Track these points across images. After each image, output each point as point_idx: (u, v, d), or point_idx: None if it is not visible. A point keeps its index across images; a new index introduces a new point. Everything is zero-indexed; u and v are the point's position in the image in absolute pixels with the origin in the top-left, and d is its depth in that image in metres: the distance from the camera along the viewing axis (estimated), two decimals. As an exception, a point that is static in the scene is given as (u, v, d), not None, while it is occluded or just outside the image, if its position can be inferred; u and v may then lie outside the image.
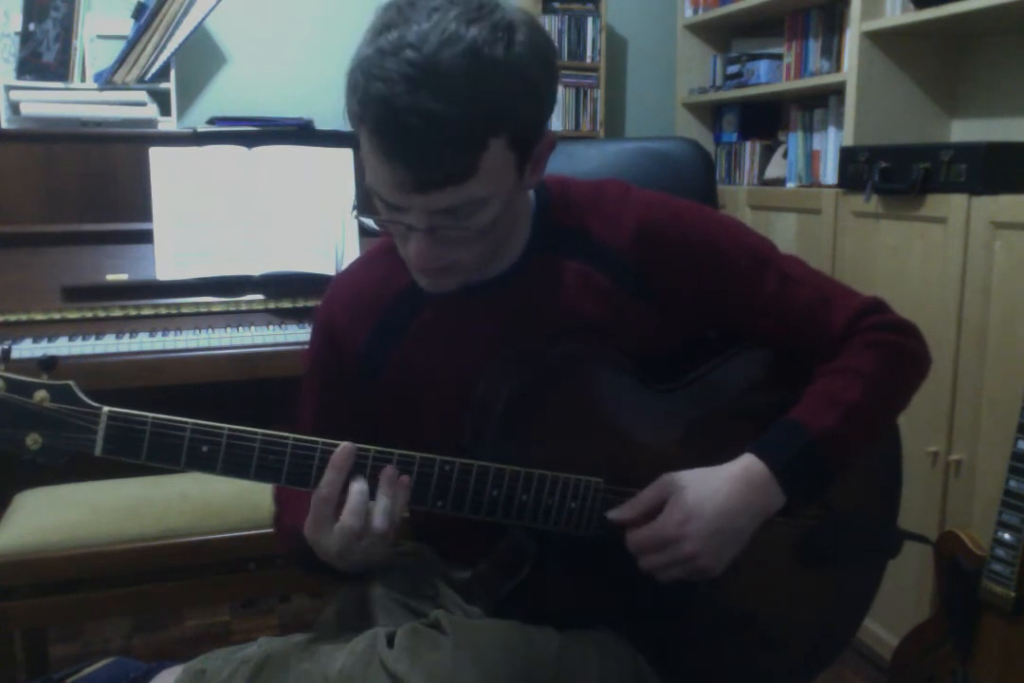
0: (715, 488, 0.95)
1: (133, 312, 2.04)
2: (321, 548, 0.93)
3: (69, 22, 2.49)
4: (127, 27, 2.57)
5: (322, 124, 2.45)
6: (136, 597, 1.64)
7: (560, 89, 2.75)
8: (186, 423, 0.89)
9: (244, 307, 2.12)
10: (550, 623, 0.99)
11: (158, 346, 1.94)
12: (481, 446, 0.95)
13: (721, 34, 3.16)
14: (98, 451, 0.88)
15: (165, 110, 2.58)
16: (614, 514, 0.96)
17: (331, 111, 2.80)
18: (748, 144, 2.99)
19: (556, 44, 3.03)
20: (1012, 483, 1.47)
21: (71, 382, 0.88)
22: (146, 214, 2.12)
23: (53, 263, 2.06)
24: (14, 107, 2.42)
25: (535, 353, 0.97)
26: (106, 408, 0.88)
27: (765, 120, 3.01)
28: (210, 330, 2.02)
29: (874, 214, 2.01)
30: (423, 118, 0.80)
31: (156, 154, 2.14)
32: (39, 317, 1.98)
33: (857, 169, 2.03)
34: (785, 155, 2.83)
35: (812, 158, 2.69)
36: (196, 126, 2.36)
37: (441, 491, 0.93)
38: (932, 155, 1.83)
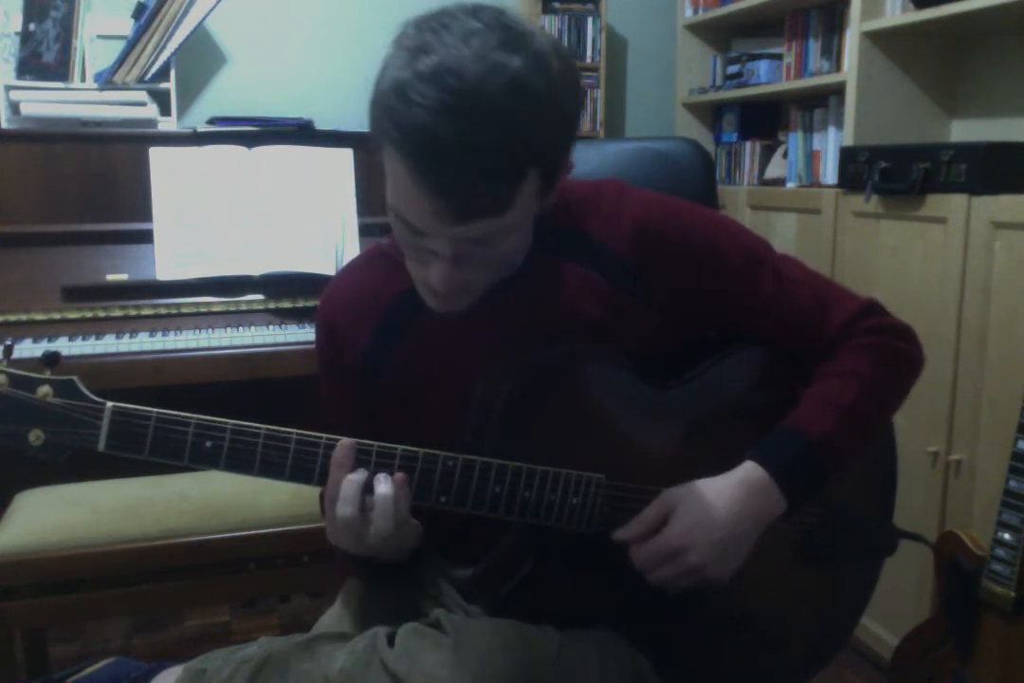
0: (716, 497, 0.95)
1: (133, 312, 2.04)
2: (342, 545, 0.94)
3: (69, 22, 2.49)
4: (127, 27, 2.57)
5: (322, 124, 2.45)
6: (136, 597, 1.64)
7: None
8: (190, 418, 0.89)
9: (244, 307, 2.12)
10: (550, 622, 1.00)
11: (158, 346, 1.94)
12: (482, 445, 0.95)
13: (721, 34, 3.16)
14: (101, 446, 0.88)
15: (165, 110, 2.58)
16: (619, 534, 0.96)
17: (331, 111, 2.83)
18: (748, 144, 2.99)
19: (556, 44, 3.03)
20: (1012, 483, 1.47)
21: (74, 377, 0.88)
22: (146, 214, 2.12)
23: (53, 263, 2.06)
24: (14, 107, 2.42)
25: (535, 352, 0.97)
26: (110, 403, 0.88)
27: (765, 120, 3.01)
28: (210, 330, 2.02)
29: (874, 214, 2.02)
30: (467, 150, 0.79)
31: (156, 154, 2.14)
32: (39, 317, 1.98)
33: (857, 169, 2.04)
34: (785, 155, 2.83)
35: (812, 158, 2.69)
36: (196, 126, 2.36)
37: (444, 487, 0.93)
38: (932, 155, 1.83)
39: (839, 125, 2.54)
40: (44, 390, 0.87)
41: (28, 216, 2.14)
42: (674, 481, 0.98)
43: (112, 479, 1.79)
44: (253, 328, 2.04)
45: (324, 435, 0.91)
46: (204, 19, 2.55)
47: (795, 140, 2.76)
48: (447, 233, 0.85)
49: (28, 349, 1.86)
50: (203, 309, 2.09)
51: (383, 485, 0.90)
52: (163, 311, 2.06)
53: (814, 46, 2.65)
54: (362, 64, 3.19)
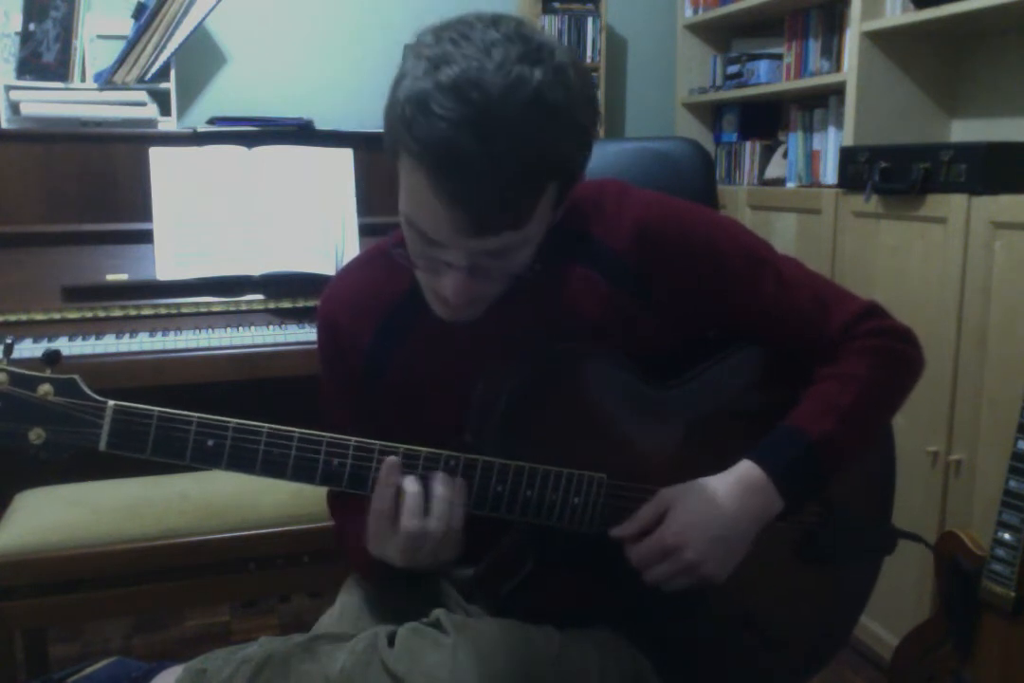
0: (712, 496, 0.95)
1: (133, 312, 2.04)
2: (388, 558, 0.95)
3: (69, 22, 2.49)
4: (127, 27, 2.57)
5: (322, 124, 2.45)
6: (136, 597, 1.64)
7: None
8: (192, 417, 0.89)
9: (244, 307, 2.12)
10: (551, 622, 1.00)
11: (158, 346, 1.94)
12: (483, 444, 0.95)
13: (721, 34, 3.16)
14: (103, 445, 0.88)
15: (165, 110, 2.58)
16: (616, 531, 0.96)
17: (331, 111, 2.83)
18: (748, 144, 2.99)
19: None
20: (1012, 483, 1.47)
21: (75, 376, 0.88)
22: (146, 214, 2.12)
23: (53, 263, 2.06)
24: (14, 107, 2.42)
25: (535, 352, 0.97)
26: (111, 402, 0.88)
27: (765, 120, 3.01)
28: (210, 330, 2.02)
29: (874, 214, 2.02)
30: (489, 164, 0.79)
31: (156, 154, 2.14)
32: (39, 317, 1.98)
33: (857, 169, 2.04)
34: (785, 155, 2.83)
35: (812, 158, 2.69)
36: (196, 126, 2.35)
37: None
38: (932, 155, 1.83)
39: (839, 125, 2.54)
40: (45, 388, 0.87)
41: (28, 216, 2.14)
42: (674, 481, 0.98)
43: (112, 479, 1.79)
44: (253, 328, 2.04)
45: (327, 434, 0.92)
46: (204, 19, 2.55)
47: (795, 140, 2.76)
48: (464, 246, 0.85)
49: (28, 349, 1.86)
50: (203, 309, 2.09)
51: (440, 487, 0.91)
52: (163, 311, 2.06)
53: (814, 46, 2.65)
54: (362, 64, 3.22)
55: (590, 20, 3.05)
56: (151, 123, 2.46)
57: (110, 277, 2.07)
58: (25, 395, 0.86)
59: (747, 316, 1.04)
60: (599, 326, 1.01)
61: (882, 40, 2.25)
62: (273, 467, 0.91)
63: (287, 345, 2.00)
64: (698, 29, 3.15)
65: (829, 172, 2.59)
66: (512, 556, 1.00)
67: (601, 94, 3.08)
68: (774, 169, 2.87)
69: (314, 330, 1.14)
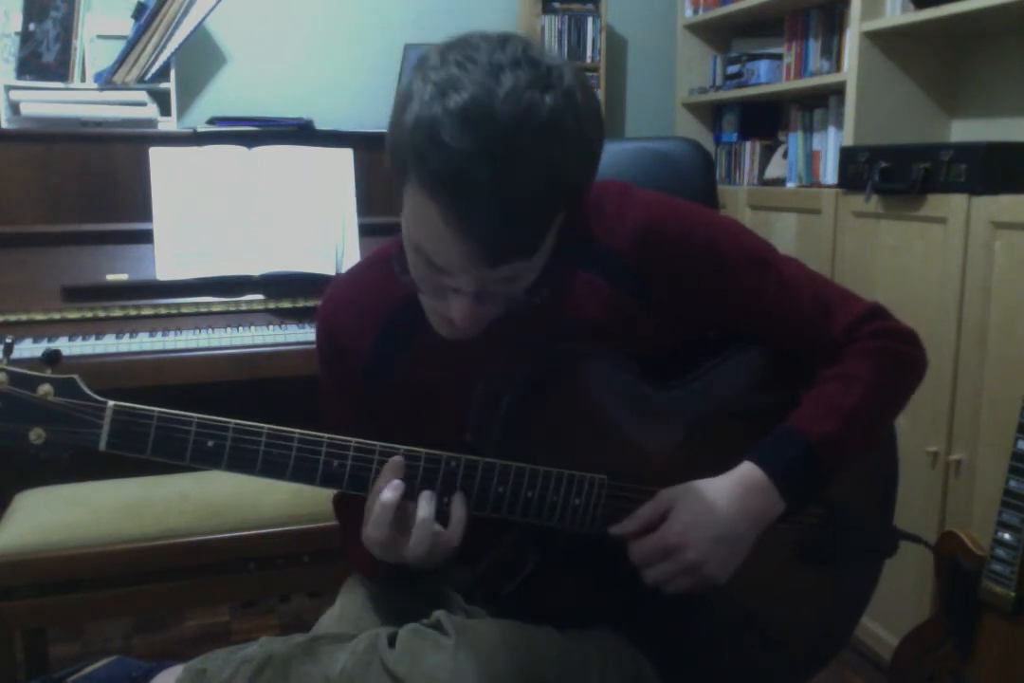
0: (714, 496, 0.95)
1: (133, 312, 2.04)
2: (376, 555, 0.95)
3: (69, 22, 2.49)
4: (127, 27, 2.57)
5: (322, 124, 2.45)
6: (136, 597, 1.64)
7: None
8: (192, 417, 0.89)
9: (244, 307, 2.12)
10: (551, 623, 1.00)
11: (158, 346, 1.94)
12: (484, 445, 0.95)
13: (721, 34, 3.16)
14: (103, 445, 0.88)
15: (165, 110, 2.58)
16: (616, 529, 0.96)
17: (331, 111, 2.83)
18: (748, 144, 2.99)
19: (556, 44, 3.03)
20: (1012, 483, 1.47)
21: (75, 376, 0.88)
22: (146, 214, 2.12)
23: (53, 263, 2.06)
24: (14, 107, 2.42)
25: (537, 353, 0.97)
26: (111, 402, 0.88)
27: (765, 120, 3.01)
28: (210, 330, 2.02)
29: (874, 214, 2.02)
30: (502, 195, 0.78)
31: (156, 154, 2.14)
32: (39, 317, 1.98)
33: (857, 169, 2.04)
34: (785, 155, 2.83)
35: (812, 158, 2.69)
36: (196, 126, 2.36)
37: (447, 487, 0.93)
38: (932, 155, 1.83)
39: (839, 125, 2.54)
40: (45, 388, 0.87)
41: (28, 216, 2.14)
42: (675, 482, 0.98)
43: (112, 479, 1.79)
44: (253, 328, 2.04)
45: (327, 435, 0.91)
46: (204, 19, 2.55)
47: (795, 140, 2.76)
48: (474, 274, 0.84)
49: (28, 349, 1.86)
50: (203, 309, 2.09)
51: (424, 509, 0.90)
52: (163, 311, 2.06)
53: (814, 46, 2.65)
54: (362, 64, 3.22)
55: (590, 20, 3.05)
56: (151, 123, 2.46)
57: (110, 277, 2.07)
58: (25, 395, 0.86)
59: (748, 317, 1.04)
60: (601, 328, 1.00)
61: (882, 40, 2.25)
62: (273, 468, 0.91)
63: (287, 345, 2.00)
64: (698, 29, 3.15)
65: (829, 172, 2.59)
66: (513, 557, 1.00)
67: (601, 94, 3.08)
68: (774, 169, 2.87)
69: (314, 330, 1.14)
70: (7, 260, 2.03)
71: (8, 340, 0.90)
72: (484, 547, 1.01)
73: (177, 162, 2.15)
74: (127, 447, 0.88)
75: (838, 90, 2.46)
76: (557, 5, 3.04)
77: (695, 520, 0.94)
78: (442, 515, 0.94)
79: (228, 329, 2.02)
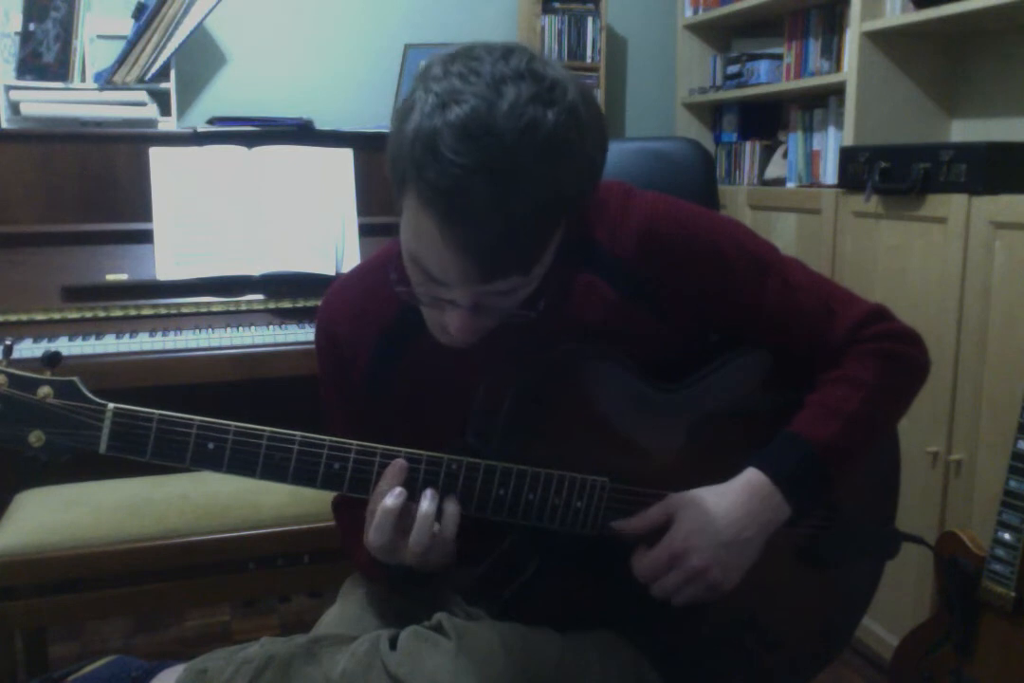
0: (718, 502, 0.95)
1: (133, 312, 2.04)
2: (378, 557, 0.95)
3: (69, 22, 2.49)
4: (127, 27, 2.57)
5: (322, 124, 2.45)
6: (136, 597, 1.64)
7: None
8: (192, 420, 0.89)
9: (244, 307, 2.12)
10: (552, 625, 1.00)
11: (158, 346, 1.94)
12: (485, 446, 0.95)
13: (721, 34, 3.16)
14: (103, 448, 0.87)
15: (165, 110, 2.58)
16: (618, 524, 0.96)
17: (331, 111, 2.83)
18: (748, 144, 2.99)
19: (556, 44, 3.03)
20: (1012, 483, 1.47)
21: (75, 378, 0.88)
22: (146, 214, 2.11)
23: (53, 263, 2.06)
24: (14, 107, 2.42)
25: (540, 355, 0.97)
26: (111, 405, 0.87)
27: (765, 120, 3.01)
28: (210, 330, 2.01)
29: (874, 214, 2.02)
30: (502, 213, 0.77)
31: (156, 154, 2.14)
32: (39, 317, 1.98)
33: (857, 169, 2.04)
34: (785, 155, 2.83)
35: (812, 158, 2.69)
36: (196, 126, 2.35)
37: (447, 490, 0.93)
38: (932, 155, 1.83)
39: (839, 125, 2.54)
40: (45, 391, 0.87)
41: (28, 216, 2.14)
42: (679, 485, 0.98)
43: (112, 479, 1.79)
44: (253, 328, 2.04)
45: (328, 438, 0.91)
46: (204, 19, 2.55)
47: (795, 140, 2.76)
48: (470, 288, 0.84)
49: (28, 349, 1.86)
50: (203, 309, 2.09)
51: (425, 504, 0.90)
52: (163, 311, 2.06)
53: (814, 46, 2.65)
54: (362, 64, 3.21)
55: (590, 20, 3.05)
56: (151, 123, 2.46)
57: (110, 277, 2.07)
58: (25, 397, 0.86)
59: (752, 319, 1.03)
60: (603, 330, 1.00)
61: (882, 40, 2.25)
62: (274, 470, 0.90)
63: (287, 345, 2.00)
64: (698, 29, 3.15)
65: (829, 172, 2.59)
66: (514, 559, 1.00)
67: (601, 94, 3.08)
68: (774, 169, 2.87)
69: (314, 330, 1.13)
70: (7, 260, 2.03)
71: (8, 342, 0.90)
72: (485, 549, 1.01)
73: (177, 162, 2.15)
74: (127, 450, 0.88)
75: (838, 90, 2.46)
76: (557, 5, 3.04)
77: (700, 527, 0.94)
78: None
79: (228, 329, 2.02)
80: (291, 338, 2.02)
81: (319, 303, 1.12)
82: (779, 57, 2.82)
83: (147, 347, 1.93)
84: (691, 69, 3.18)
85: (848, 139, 2.30)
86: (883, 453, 1.13)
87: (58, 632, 2.19)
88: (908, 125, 2.31)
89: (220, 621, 2.32)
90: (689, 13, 3.14)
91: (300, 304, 2.13)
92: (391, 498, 0.90)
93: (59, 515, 1.65)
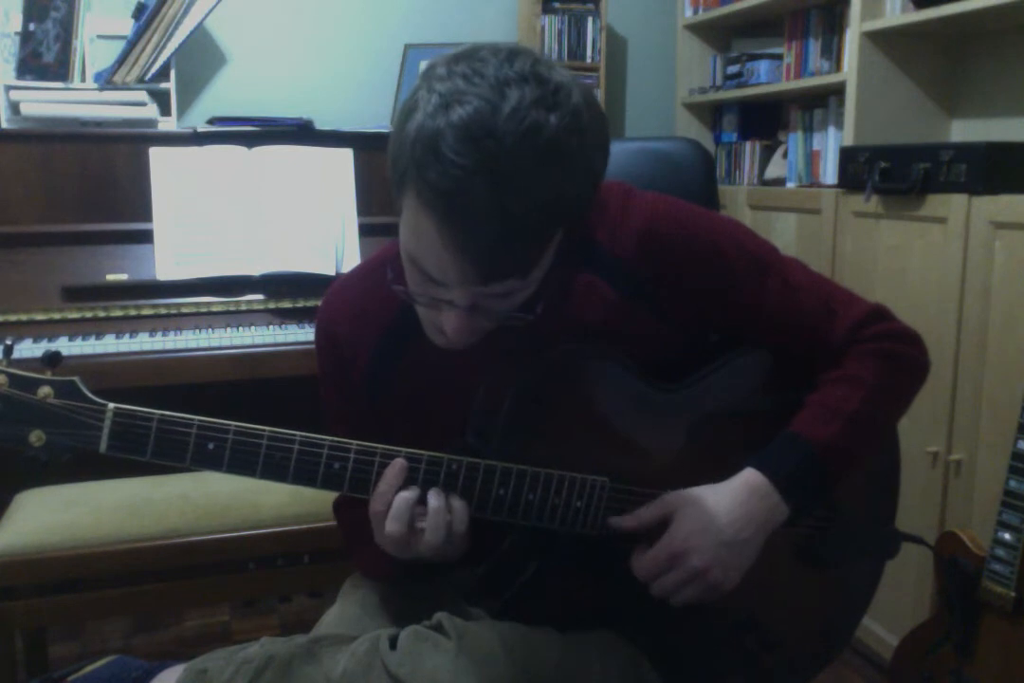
0: (717, 502, 0.95)
1: (133, 312, 2.04)
2: (391, 553, 0.95)
3: (69, 22, 2.49)
4: (127, 27, 2.57)
5: (322, 124, 2.45)
6: (136, 597, 1.64)
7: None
8: (192, 420, 0.89)
9: (244, 307, 2.12)
10: (552, 625, 1.00)
11: (158, 346, 1.94)
12: (485, 446, 0.95)
13: (721, 34, 3.16)
14: (103, 448, 0.88)
15: (165, 110, 2.58)
16: (616, 520, 0.96)
17: (331, 111, 2.83)
18: (748, 144, 2.99)
19: (556, 44, 3.03)
20: (1012, 483, 1.47)
21: (76, 378, 0.88)
22: (146, 214, 2.12)
23: (53, 263, 2.06)
24: (14, 107, 2.42)
25: (540, 354, 0.97)
26: (111, 405, 0.88)
27: (765, 120, 3.01)
28: (210, 330, 2.02)
29: (874, 214, 2.02)
30: (501, 216, 0.77)
31: (156, 154, 2.14)
32: (39, 317, 1.98)
33: (857, 169, 2.04)
34: (785, 155, 2.83)
35: (812, 158, 2.70)
36: (196, 126, 2.35)
37: (448, 489, 0.93)
38: (932, 155, 1.83)
39: (839, 125, 2.54)
40: (45, 391, 0.87)
41: (28, 216, 2.14)
42: (679, 484, 0.98)
43: (112, 479, 1.79)
44: (253, 328, 2.04)
45: (328, 438, 0.91)
46: (204, 19, 2.55)
47: (795, 140, 2.76)
48: (467, 289, 0.84)
49: (28, 349, 1.86)
50: (203, 309, 2.09)
51: (435, 499, 0.91)
52: (163, 311, 2.06)
53: (814, 46, 2.66)
54: (362, 64, 3.21)
55: (590, 20, 3.05)
56: (151, 123, 2.46)
57: (110, 277, 2.07)
58: (25, 397, 0.86)
59: (752, 319, 1.03)
60: (603, 330, 1.00)
61: (882, 40, 2.25)
62: (274, 470, 0.91)
63: (287, 345, 2.00)
64: (698, 29, 3.15)
65: (829, 172, 2.59)
66: (514, 559, 1.00)
67: (601, 94, 3.08)
68: (774, 169, 2.87)
69: (313, 330, 1.13)
70: (7, 260, 2.03)
71: (8, 342, 0.90)
72: (485, 549, 1.01)
73: (177, 162, 2.15)
74: (127, 449, 0.88)
75: (838, 90, 2.46)
76: (557, 5, 3.04)
77: (699, 527, 0.94)
78: None
79: (228, 329, 2.02)
80: (291, 338, 2.02)
81: (319, 303, 1.12)
82: (779, 57, 2.82)
83: (147, 347, 1.93)
84: (691, 69, 3.18)
85: (848, 139, 2.30)
86: (883, 453, 1.13)
87: (58, 632, 2.19)
88: (908, 125, 2.31)
89: (220, 621, 2.32)
90: (689, 13, 3.14)
91: (300, 304, 2.13)
92: (407, 492, 0.91)
93: (59, 515, 1.65)
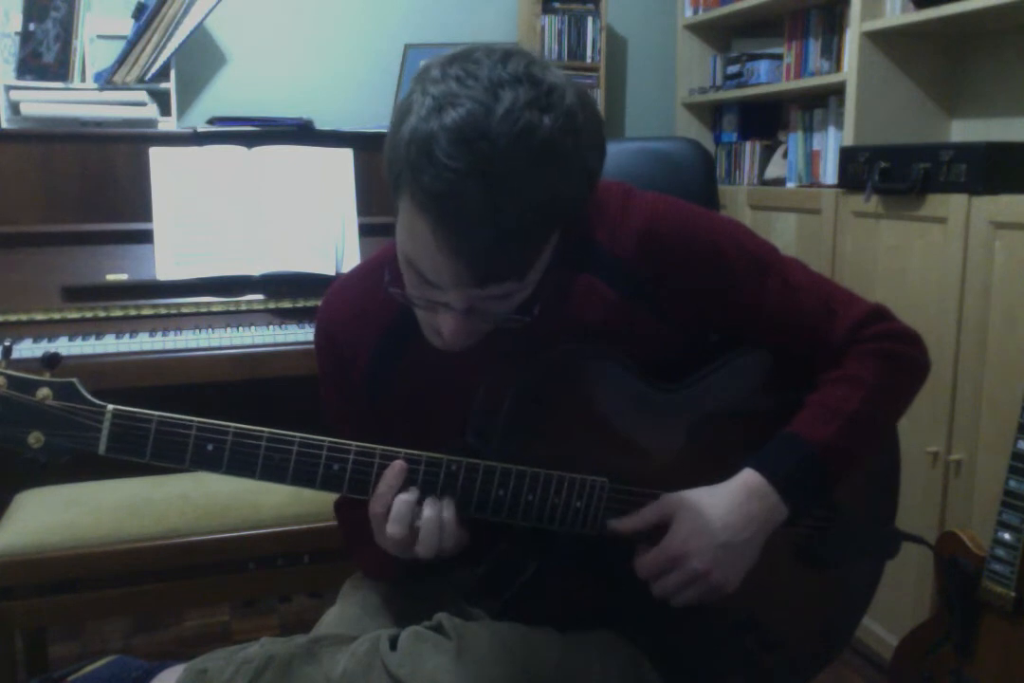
0: (716, 503, 0.95)
1: (133, 312, 2.04)
2: (393, 552, 0.95)
3: (69, 22, 2.49)
4: (127, 27, 2.57)
5: (322, 124, 2.45)
6: (136, 597, 1.64)
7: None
8: (191, 422, 0.89)
9: (244, 307, 2.12)
10: (553, 625, 1.00)
11: (158, 346, 1.94)
12: (485, 446, 0.95)
13: (721, 34, 3.16)
14: (102, 450, 0.87)
15: (165, 110, 2.58)
16: (615, 523, 0.96)
17: (331, 111, 2.83)
18: (748, 144, 2.99)
19: (556, 44, 3.03)
20: (1012, 483, 1.47)
21: (75, 380, 0.88)
22: (146, 214, 2.12)
23: (53, 263, 2.06)
24: (14, 107, 2.42)
25: (540, 354, 0.97)
26: (111, 406, 0.87)
27: (765, 120, 3.01)
28: (210, 330, 2.02)
29: (874, 214, 2.02)
30: (494, 216, 0.77)
31: (156, 154, 2.14)
32: (39, 317, 1.98)
33: (857, 169, 2.04)
34: (785, 155, 2.83)
35: (812, 158, 2.70)
36: (196, 126, 2.36)
37: (447, 490, 0.93)
38: (932, 155, 1.83)
39: (839, 125, 2.54)
40: (44, 392, 0.87)
41: (28, 216, 2.14)
42: (679, 485, 0.98)
43: (112, 479, 1.79)
44: (253, 328, 2.04)
45: (327, 439, 0.91)
46: (204, 19, 2.55)
47: (795, 140, 2.76)
48: (463, 292, 0.84)
49: (28, 349, 1.86)
50: (203, 309, 2.09)
51: (429, 508, 0.91)
52: (163, 311, 2.06)
53: (814, 46, 2.65)
54: (362, 64, 3.21)
55: (590, 20, 3.05)
56: (151, 123, 2.46)
57: (110, 277, 2.07)
58: (24, 399, 0.86)
59: (752, 320, 1.03)
60: (603, 331, 1.00)
61: (882, 40, 2.25)
62: (273, 472, 0.90)
63: (287, 345, 2.00)
64: (698, 29, 3.15)
65: (829, 172, 2.59)
66: (514, 559, 1.00)
67: (601, 94, 3.08)
68: (774, 169, 2.87)
69: (313, 330, 1.13)
70: (7, 260, 2.03)
71: (7, 343, 0.90)
72: (485, 549, 1.01)
73: (177, 162, 2.15)
74: (127, 451, 0.88)
75: (838, 90, 2.46)
76: (557, 5, 3.04)
77: (698, 529, 0.94)
78: None
79: (228, 329, 2.02)
80: (291, 338, 2.02)
81: (319, 303, 1.12)
82: (779, 57, 2.82)
83: (147, 347, 1.93)
84: (691, 69, 3.18)
85: (848, 139, 2.30)
86: (883, 453, 1.12)
87: (58, 632, 2.19)
88: (908, 125, 2.31)
89: (220, 621, 2.32)
90: (689, 13, 3.14)
91: (300, 304, 2.13)
92: (406, 494, 0.91)
93: (59, 515, 1.65)
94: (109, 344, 1.92)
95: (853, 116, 2.29)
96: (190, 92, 2.85)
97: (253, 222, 2.16)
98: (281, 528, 1.69)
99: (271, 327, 2.06)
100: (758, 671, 1.09)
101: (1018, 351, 1.68)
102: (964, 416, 1.80)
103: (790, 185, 2.76)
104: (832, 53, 2.58)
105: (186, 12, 2.51)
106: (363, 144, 2.31)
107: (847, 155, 2.09)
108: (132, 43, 2.50)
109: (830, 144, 2.60)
